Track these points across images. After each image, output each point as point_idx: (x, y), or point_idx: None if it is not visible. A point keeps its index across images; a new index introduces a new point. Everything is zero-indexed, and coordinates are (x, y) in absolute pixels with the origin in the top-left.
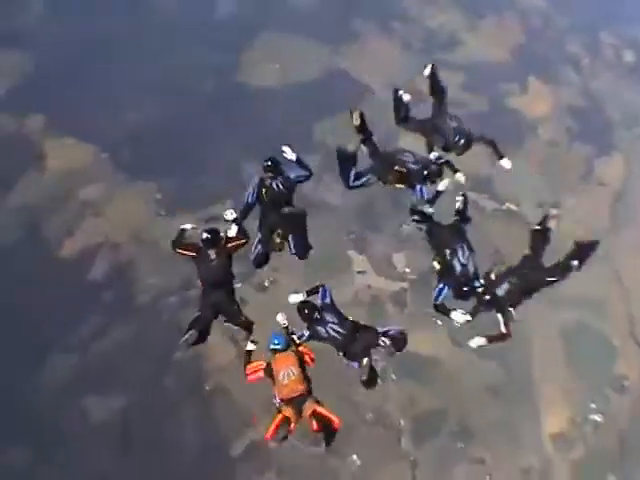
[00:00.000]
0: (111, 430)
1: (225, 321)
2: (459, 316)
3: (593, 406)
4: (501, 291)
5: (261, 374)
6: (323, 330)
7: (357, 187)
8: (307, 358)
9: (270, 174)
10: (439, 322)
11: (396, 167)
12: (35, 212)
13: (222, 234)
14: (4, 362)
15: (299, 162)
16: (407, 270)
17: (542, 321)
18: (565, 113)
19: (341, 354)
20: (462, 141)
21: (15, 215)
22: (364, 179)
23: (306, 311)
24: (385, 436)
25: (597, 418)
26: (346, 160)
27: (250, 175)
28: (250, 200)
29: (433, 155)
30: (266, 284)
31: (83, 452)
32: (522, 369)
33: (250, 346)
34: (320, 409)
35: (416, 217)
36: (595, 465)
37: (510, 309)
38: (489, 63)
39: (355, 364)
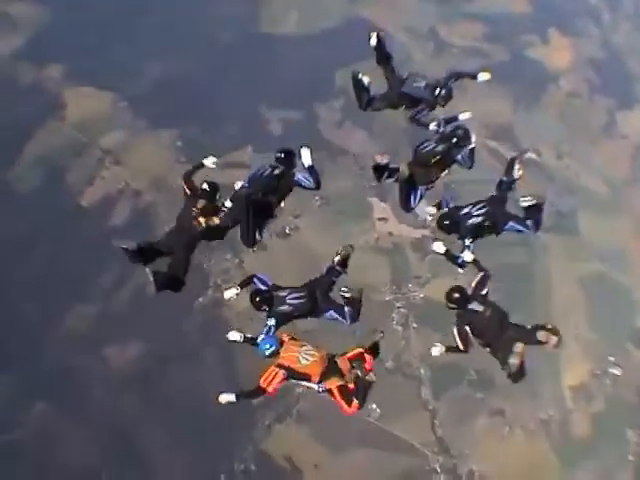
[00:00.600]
0: (132, 378)
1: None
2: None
3: (612, 359)
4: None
5: (280, 378)
6: (285, 307)
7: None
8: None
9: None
10: (461, 270)
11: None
12: (55, 161)
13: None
14: (24, 313)
15: (311, 171)
16: (429, 218)
17: (562, 272)
18: (586, 65)
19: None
20: (441, 92)
21: (35, 164)
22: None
23: (258, 299)
24: (405, 385)
25: (616, 372)
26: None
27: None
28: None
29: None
30: (287, 231)
31: (104, 401)
32: (543, 320)
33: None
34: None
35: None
36: (613, 418)
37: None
38: (509, 14)
39: (333, 314)
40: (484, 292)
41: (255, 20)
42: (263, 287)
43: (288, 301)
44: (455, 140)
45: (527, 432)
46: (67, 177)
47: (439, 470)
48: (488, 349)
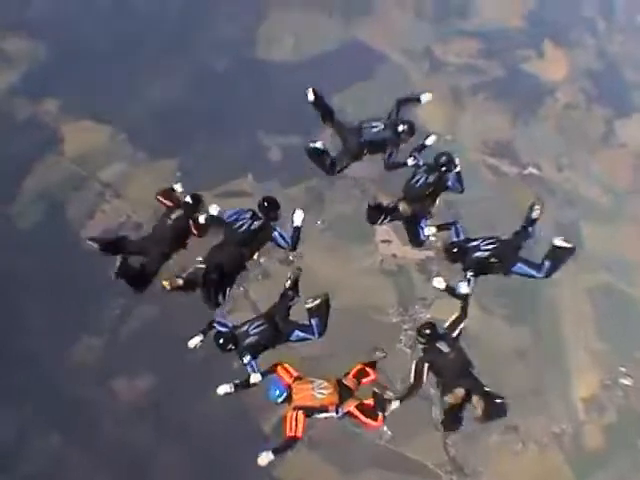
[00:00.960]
0: (142, 409)
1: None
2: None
3: (623, 369)
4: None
5: (302, 419)
6: (251, 338)
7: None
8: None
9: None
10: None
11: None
12: (55, 195)
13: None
14: (33, 347)
15: (296, 231)
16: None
17: (570, 283)
18: (582, 76)
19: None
20: (404, 127)
21: (35, 199)
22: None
23: (222, 341)
24: (415, 406)
25: (627, 382)
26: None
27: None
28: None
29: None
30: (291, 258)
31: (115, 433)
32: (551, 333)
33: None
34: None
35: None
36: (626, 428)
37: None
38: (504, 29)
39: (299, 334)
40: (455, 334)
41: (251, 45)
42: (224, 329)
43: (252, 332)
44: (443, 167)
45: (540, 446)
46: (68, 211)
47: None
48: (440, 390)
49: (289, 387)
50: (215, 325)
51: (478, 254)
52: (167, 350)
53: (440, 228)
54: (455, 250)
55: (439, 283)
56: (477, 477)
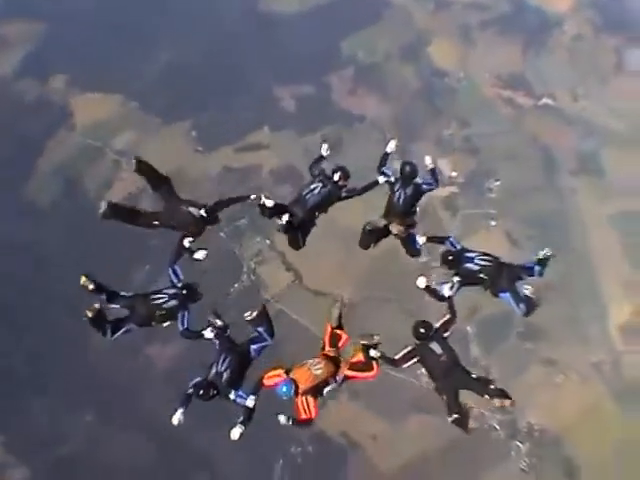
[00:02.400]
0: (177, 375)
1: None
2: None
3: None
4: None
5: (312, 401)
6: (225, 375)
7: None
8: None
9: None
10: (493, 223)
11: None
12: (71, 169)
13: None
14: (63, 326)
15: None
16: (454, 174)
17: (594, 213)
18: (587, 6)
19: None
20: (337, 175)
21: (52, 175)
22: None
23: (202, 392)
24: (453, 344)
25: None
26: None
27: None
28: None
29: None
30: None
31: (152, 403)
32: (581, 263)
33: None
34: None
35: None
36: None
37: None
38: None
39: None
40: (446, 335)
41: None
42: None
43: (222, 370)
44: (413, 177)
45: (581, 378)
46: (85, 183)
47: (498, 427)
48: (433, 385)
49: (292, 380)
50: (190, 391)
51: (470, 265)
52: (199, 307)
53: (431, 240)
54: (450, 258)
55: (421, 282)
56: (520, 412)
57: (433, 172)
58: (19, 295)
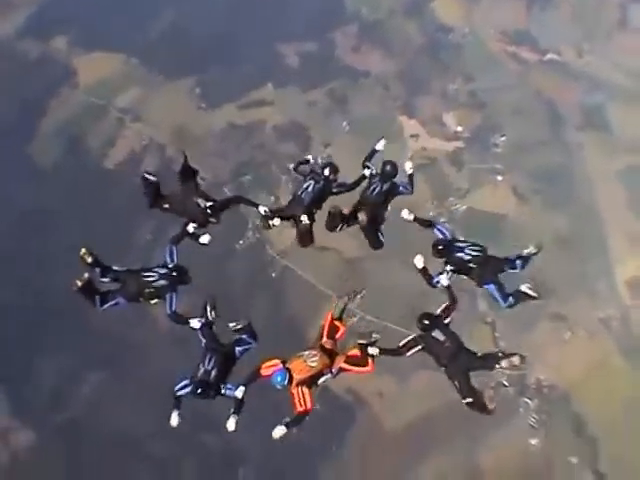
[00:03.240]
0: (184, 334)
1: None
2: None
3: None
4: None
5: (308, 393)
6: (213, 373)
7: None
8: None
9: None
10: (499, 177)
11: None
12: (74, 128)
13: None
14: (65, 284)
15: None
16: (459, 129)
17: (600, 168)
18: None
19: None
20: (328, 170)
21: (54, 135)
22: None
23: (200, 391)
24: (460, 299)
25: None
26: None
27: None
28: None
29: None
30: (320, 161)
31: (160, 361)
32: (589, 218)
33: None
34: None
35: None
36: None
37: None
38: None
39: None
40: (447, 321)
41: None
42: (190, 387)
43: (209, 368)
44: (392, 176)
45: (589, 333)
46: (88, 142)
47: (507, 384)
48: (443, 369)
49: (287, 369)
50: (180, 393)
51: (461, 255)
52: (204, 270)
53: (418, 221)
54: (441, 247)
55: (418, 262)
56: (529, 368)
57: (411, 178)
58: (24, 254)
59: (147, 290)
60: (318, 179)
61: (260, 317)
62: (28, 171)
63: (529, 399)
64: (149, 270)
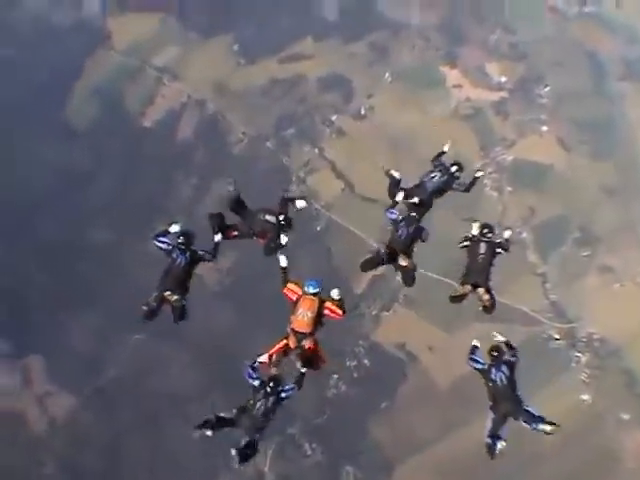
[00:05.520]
0: (227, 291)
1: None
2: None
3: None
4: None
5: (293, 298)
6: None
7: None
8: (329, 312)
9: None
10: (544, 128)
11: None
12: (109, 89)
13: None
14: (103, 243)
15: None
16: (503, 79)
17: None
18: None
19: None
20: (455, 167)
21: (90, 97)
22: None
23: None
24: (514, 252)
25: None
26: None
27: None
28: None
29: None
30: (362, 112)
31: (202, 321)
32: (635, 167)
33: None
34: (315, 347)
35: None
36: None
37: None
38: None
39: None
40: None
41: None
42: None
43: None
44: (416, 220)
45: (638, 286)
46: (125, 103)
47: (558, 337)
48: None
49: (319, 291)
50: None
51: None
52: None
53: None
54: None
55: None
56: (579, 322)
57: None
58: (60, 214)
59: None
60: (445, 173)
61: (306, 268)
62: (63, 133)
63: (580, 353)
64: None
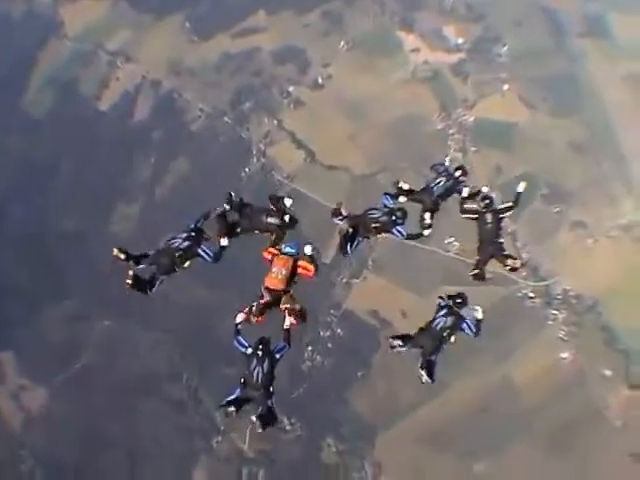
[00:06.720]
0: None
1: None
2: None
3: None
4: None
5: (268, 257)
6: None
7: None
8: (301, 270)
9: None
10: (506, 86)
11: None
12: (64, 77)
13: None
14: (67, 229)
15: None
16: (460, 41)
17: (605, 75)
18: None
19: None
20: (458, 172)
21: (45, 86)
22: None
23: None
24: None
25: None
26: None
27: None
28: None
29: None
30: (320, 81)
31: (172, 299)
32: (599, 123)
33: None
34: (292, 305)
35: None
36: None
37: None
38: None
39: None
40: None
41: None
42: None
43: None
44: (394, 218)
45: (611, 240)
46: (80, 88)
47: (533, 295)
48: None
49: (297, 253)
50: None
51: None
52: (211, 194)
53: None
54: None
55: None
56: (553, 278)
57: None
58: (23, 202)
59: (177, 254)
60: (449, 178)
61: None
62: (22, 123)
63: (556, 311)
64: (172, 238)
